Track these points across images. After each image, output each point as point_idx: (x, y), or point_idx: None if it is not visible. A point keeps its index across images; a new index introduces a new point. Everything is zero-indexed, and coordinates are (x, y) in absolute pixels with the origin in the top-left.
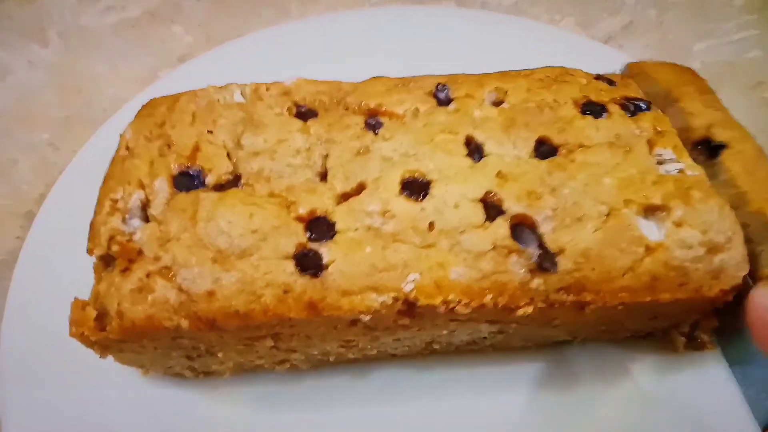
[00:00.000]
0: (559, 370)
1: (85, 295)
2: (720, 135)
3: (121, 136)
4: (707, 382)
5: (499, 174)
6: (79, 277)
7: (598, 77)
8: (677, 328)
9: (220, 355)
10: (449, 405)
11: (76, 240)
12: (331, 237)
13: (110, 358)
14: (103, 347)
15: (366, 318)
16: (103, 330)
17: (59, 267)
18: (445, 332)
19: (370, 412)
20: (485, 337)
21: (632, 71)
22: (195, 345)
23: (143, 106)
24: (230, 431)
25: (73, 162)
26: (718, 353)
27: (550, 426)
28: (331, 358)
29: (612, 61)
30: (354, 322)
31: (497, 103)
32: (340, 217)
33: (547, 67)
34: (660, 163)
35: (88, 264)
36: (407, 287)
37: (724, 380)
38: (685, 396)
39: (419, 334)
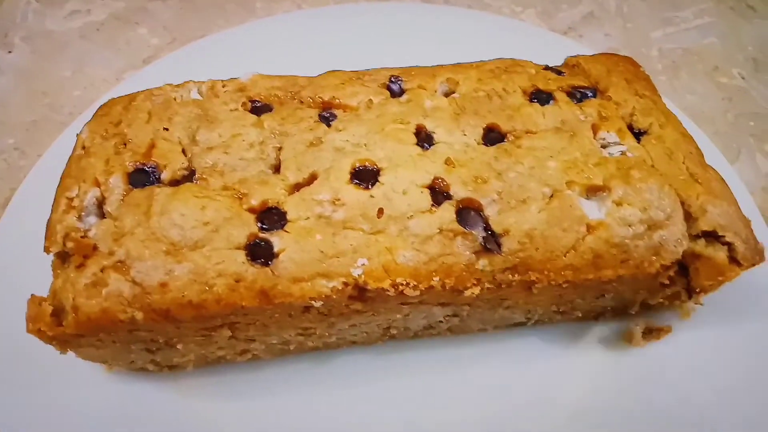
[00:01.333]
0: (515, 352)
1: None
2: (641, 122)
3: (77, 135)
4: (661, 368)
5: (447, 161)
6: (41, 278)
7: (547, 68)
8: (631, 316)
9: (180, 347)
10: (409, 389)
11: (38, 242)
12: (282, 226)
13: (73, 356)
14: (61, 342)
15: (318, 304)
16: (60, 325)
17: (21, 268)
18: (399, 316)
19: (332, 398)
20: (441, 321)
21: (569, 64)
22: (153, 337)
23: (100, 107)
24: (196, 422)
25: (36, 165)
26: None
27: (507, 406)
28: (292, 347)
29: (567, 53)
30: (307, 308)
31: (448, 94)
32: (292, 206)
33: (498, 59)
34: (604, 146)
35: (47, 266)
36: (356, 272)
37: (678, 365)
38: (638, 378)
39: (374, 318)
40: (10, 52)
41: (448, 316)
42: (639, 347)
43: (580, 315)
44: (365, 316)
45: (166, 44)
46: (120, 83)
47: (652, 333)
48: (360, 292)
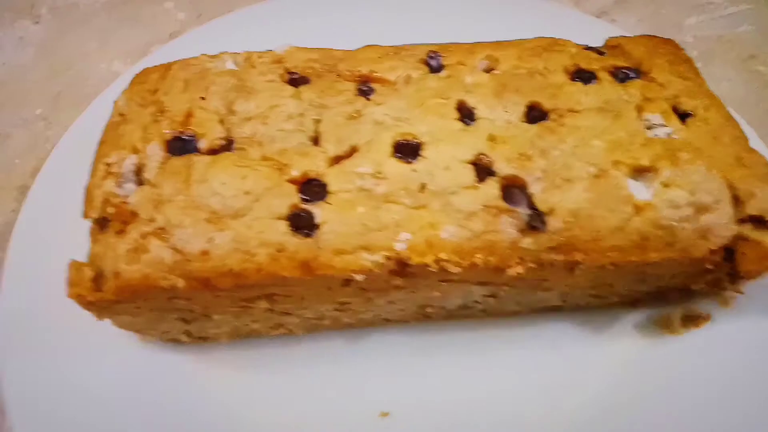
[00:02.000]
0: (549, 336)
1: (82, 260)
2: (686, 104)
3: (114, 103)
4: (699, 357)
5: (490, 137)
6: (75, 244)
7: (588, 48)
8: (669, 302)
9: (215, 317)
10: (441, 368)
11: (71, 209)
12: (324, 198)
13: (107, 325)
14: (99, 308)
15: (359, 277)
16: (100, 291)
17: (55, 235)
18: (437, 294)
19: (364, 375)
20: (477, 302)
21: (609, 45)
22: (190, 307)
23: (136, 75)
24: (226, 396)
25: (66, 134)
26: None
27: (539, 390)
28: (326, 322)
29: (603, 36)
30: (347, 282)
31: (488, 70)
32: (333, 179)
33: (538, 37)
34: (648, 128)
35: (83, 232)
36: (399, 246)
37: (717, 353)
38: (673, 367)
39: (412, 296)
40: (36, 22)
41: (485, 295)
42: (676, 335)
43: (616, 300)
44: (404, 292)
45: (192, 19)
46: (148, 56)
47: (690, 320)
48: (401, 267)
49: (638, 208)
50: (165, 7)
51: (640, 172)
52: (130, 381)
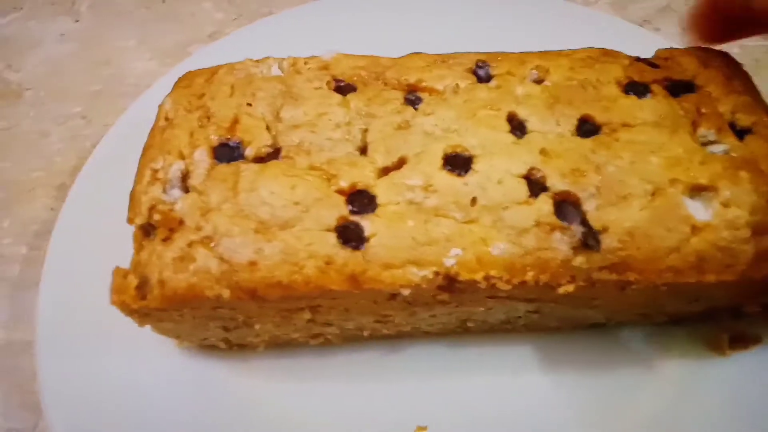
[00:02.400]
0: (591, 354)
1: (121, 265)
2: (743, 120)
3: (159, 106)
4: (746, 380)
5: (542, 151)
6: (115, 248)
7: (639, 59)
8: (716, 320)
9: (257, 327)
10: (480, 383)
11: (111, 211)
12: (373, 210)
13: (145, 330)
14: (142, 316)
15: (406, 292)
16: (144, 298)
17: (95, 237)
18: (482, 309)
19: (401, 388)
20: (520, 317)
21: (660, 57)
22: (233, 316)
23: (180, 78)
24: (261, 404)
25: (107, 135)
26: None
27: (578, 409)
28: (366, 333)
29: (647, 45)
30: (393, 296)
31: (539, 81)
32: (382, 190)
33: (588, 47)
34: (705, 144)
35: (123, 235)
36: (449, 262)
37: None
38: (720, 391)
39: (456, 310)
40: (77, 21)
41: (529, 311)
42: (723, 356)
43: (663, 319)
44: (448, 307)
45: (231, 20)
46: (186, 56)
47: (739, 341)
48: (450, 283)
49: (696, 229)
50: (203, 7)
51: (698, 191)
52: (167, 384)
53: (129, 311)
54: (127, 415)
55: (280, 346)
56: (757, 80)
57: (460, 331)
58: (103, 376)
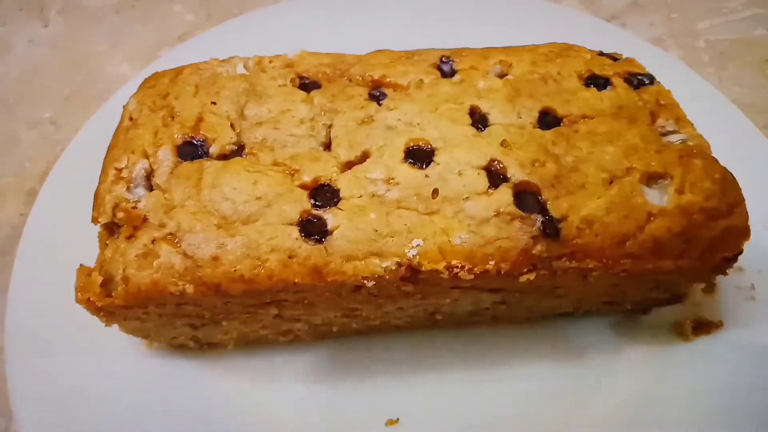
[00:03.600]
0: (559, 343)
1: (90, 265)
2: None
3: (124, 107)
4: (708, 363)
5: (503, 142)
6: (83, 249)
7: (601, 54)
8: (678, 310)
9: (224, 324)
10: (450, 376)
11: (80, 214)
12: (336, 204)
13: (115, 330)
14: (108, 314)
15: (370, 284)
16: (109, 296)
17: (64, 239)
18: (447, 301)
19: (372, 382)
20: (488, 308)
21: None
22: (199, 312)
23: (146, 79)
24: (233, 402)
25: (76, 138)
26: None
27: (548, 397)
28: (335, 329)
29: (616, 40)
30: (358, 288)
31: (501, 76)
32: (345, 184)
33: (551, 43)
34: (664, 134)
35: (91, 236)
36: (411, 252)
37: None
38: (685, 375)
39: (422, 302)
40: (46, 26)
41: (495, 302)
42: (688, 342)
43: (629, 307)
44: (414, 299)
45: (201, 21)
46: (157, 59)
47: (702, 328)
48: (413, 274)
49: (653, 215)
50: (174, 10)
51: (654, 179)
52: (137, 386)
53: (94, 309)
54: (97, 415)
55: (250, 344)
56: (723, 72)
57: (429, 325)
58: (73, 378)
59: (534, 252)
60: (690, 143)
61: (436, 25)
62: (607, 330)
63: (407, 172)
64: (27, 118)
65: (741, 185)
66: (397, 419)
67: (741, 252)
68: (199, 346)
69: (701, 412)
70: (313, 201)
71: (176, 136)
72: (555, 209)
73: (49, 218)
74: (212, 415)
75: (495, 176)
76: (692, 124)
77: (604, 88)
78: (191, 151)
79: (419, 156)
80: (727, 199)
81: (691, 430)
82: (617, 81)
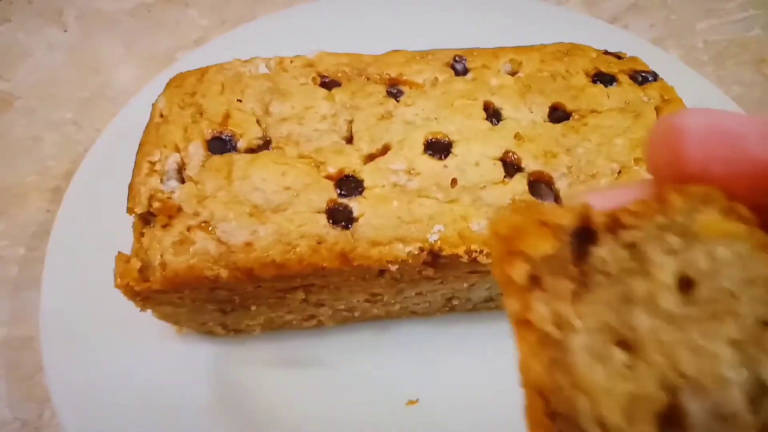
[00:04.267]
0: None
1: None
2: None
3: (153, 105)
4: None
5: (516, 135)
6: (112, 244)
7: (606, 53)
8: None
9: (253, 309)
10: (466, 359)
11: (107, 210)
12: (360, 193)
13: (147, 320)
14: (144, 299)
15: (393, 267)
16: (147, 281)
17: (93, 234)
18: (465, 286)
19: (392, 365)
20: (502, 294)
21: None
22: (230, 297)
23: (172, 79)
24: (260, 386)
25: (100, 138)
26: None
27: None
28: (356, 314)
29: (617, 41)
30: (382, 272)
31: (512, 73)
32: (368, 175)
33: (558, 42)
34: None
35: (119, 231)
36: (432, 238)
37: None
38: None
39: (441, 287)
40: (65, 31)
41: None
42: None
43: None
44: (433, 283)
45: (216, 26)
46: (173, 63)
47: None
48: (434, 258)
49: None
50: (188, 14)
51: None
52: (168, 371)
53: (132, 294)
54: (135, 400)
55: (274, 329)
56: (721, 72)
57: (446, 311)
58: (109, 366)
59: None
60: None
61: (447, 27)
62: None
63: (427, 163)
64: (48, 119)
65: None
66: (417, 399)
67: None
68: (226, 331)
69: None
70: (338, 190)
71: (205, 131)
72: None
73: (79, 213)
74: (240, 397)
75: (510, 167)
76: None
77: (611, 84)
78: (220, 145)
79: (438, 148)
80: None
81: None
82: (623, 78)
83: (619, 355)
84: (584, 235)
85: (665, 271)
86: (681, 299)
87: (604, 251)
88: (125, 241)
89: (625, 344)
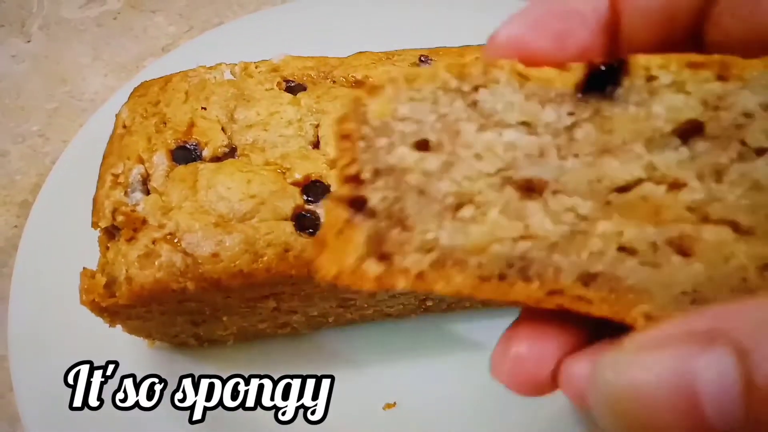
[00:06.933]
0: None
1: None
2: None
3: (117, 115)
4: None
5: None
6: (81, 256)
7: None
8: None
9: (224, 319)
10: (443, 360)
11: (75, 222)
12: (327, 198)
13: (117, 333)
14: (112, 314)
15: None
16: (113, 296)
17: (61, 247)
18: None
19: (368, 369)
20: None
21: None
22: (200, 308)
23: (136, 88)
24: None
25: (67, 149)
26: None
27: None
28: (330, 319)
29: None
30: None
31: None
32: (335, 180)
33: None
34: None
35: (88, 244)
36: None
37: None
38: None
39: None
40: (28, 41)
41: None
42: None
43: None
44: None
45: (183, 32)
46: (142, 70)
47: None
48: None
49: None
50: (155, 21)
51: None
52: (141, 384)
53: (99, 310)
54: (106, 416)
55: (248, 338)
56: None
57: (421, 312)
58: (78, 382)
59: None
60: None
61: (413, 27)
62: None
63: None
64: (14, 131)
65: None
66: (394, 402)
67: None
68: (199, 343)
69: None
70: (305, 197)
71: (170, 141)
72: None
73: (47, 227)
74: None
75: None
76: None
77: None
78: (185, 154)
79: None
80: None
81: None
82: None
83: None
84: None
85: None
86: None
87: None
88: (94, 256)
89: None
